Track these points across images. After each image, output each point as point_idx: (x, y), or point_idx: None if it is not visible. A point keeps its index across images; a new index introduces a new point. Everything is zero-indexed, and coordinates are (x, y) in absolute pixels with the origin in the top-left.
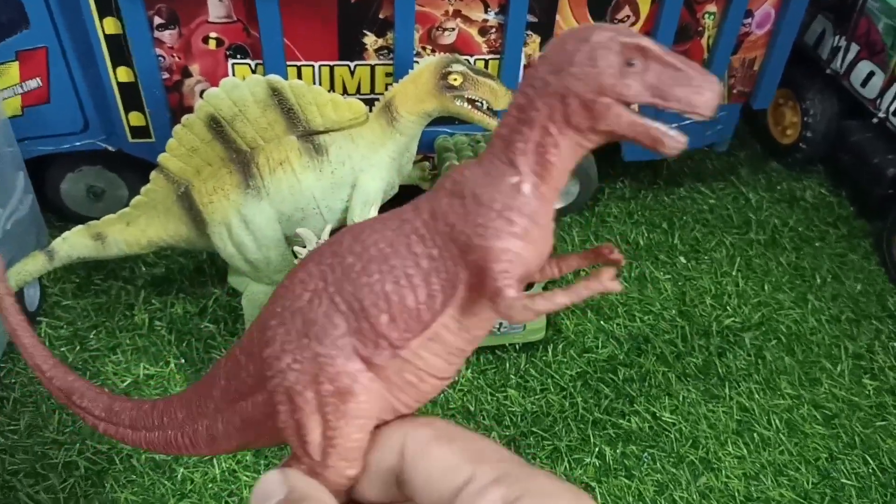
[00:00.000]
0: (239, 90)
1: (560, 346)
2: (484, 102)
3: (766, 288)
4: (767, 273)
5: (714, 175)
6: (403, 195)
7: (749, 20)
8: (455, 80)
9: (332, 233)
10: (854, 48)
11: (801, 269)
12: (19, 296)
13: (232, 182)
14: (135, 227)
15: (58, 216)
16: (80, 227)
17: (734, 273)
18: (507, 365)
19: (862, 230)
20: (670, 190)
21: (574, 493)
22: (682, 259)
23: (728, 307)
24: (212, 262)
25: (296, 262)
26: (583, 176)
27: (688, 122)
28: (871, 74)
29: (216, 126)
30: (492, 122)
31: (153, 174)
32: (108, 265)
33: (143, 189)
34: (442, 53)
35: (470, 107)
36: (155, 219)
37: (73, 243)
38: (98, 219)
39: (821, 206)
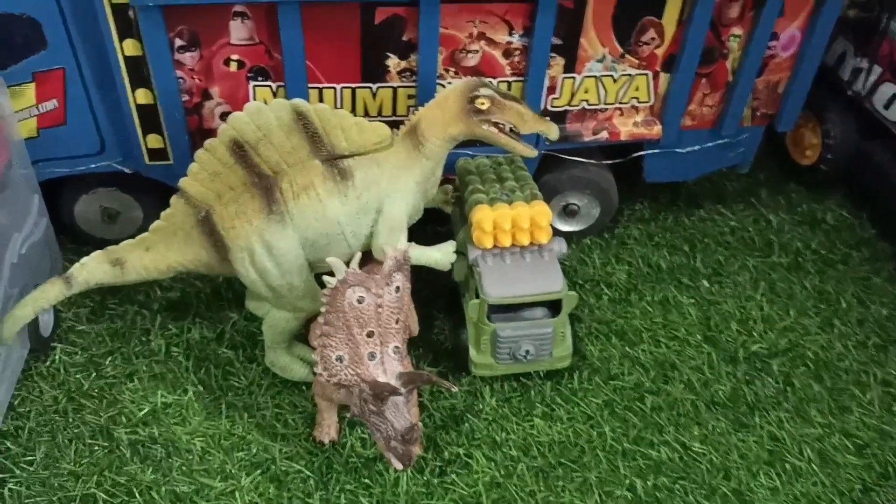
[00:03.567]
0: (263, 114)
1: (585, 374)
2: (509, 126)
3: (791, 313)
4: (792, 297)
5: (734, 197)
6: (427, 219)
7: (774, 43)
8: (482, 104)
9: (362, 259)
10: (877, 70)
11: (825, 294)
12: (34, 322)
13: (255, 207)
14: (154, 253)
15: (70, 238)
16: (98, 252)
17: (758, 297)
18: (533, 393)
19: (885, 253)
20: (690, 211)
21: None
22: (706, 283)
23: (754, 332)
24: (228, 285)
25: (324, 291)
26: (603, 197)
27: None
28: (894, 97)
29: (239, 150)
30: (518, 146)
31: (173, 199)
32: (123, 289)
33: (162, 214)
34: (467, 77)
35: (497, 131)
36: (175, 244)
37: (92, 269)
38: (112, 241)
39: (842, 228)
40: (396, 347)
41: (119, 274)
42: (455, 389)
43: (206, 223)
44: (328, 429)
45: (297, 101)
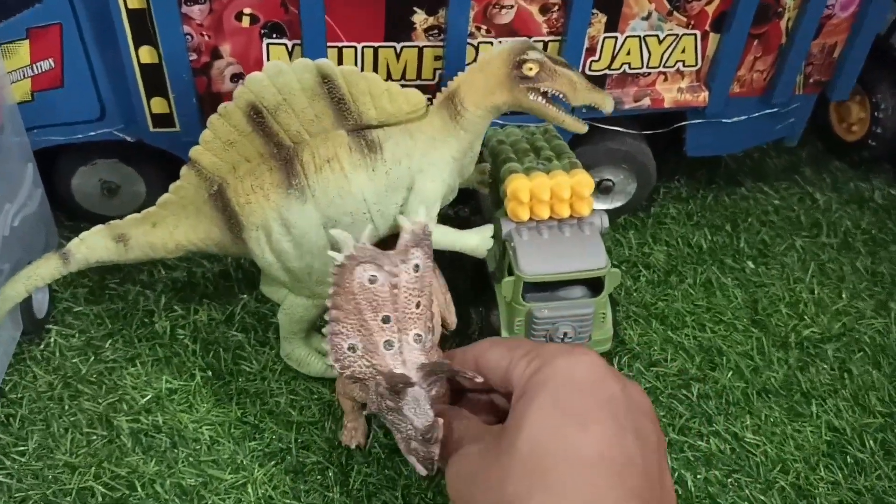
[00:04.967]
0: (284, 76)
1: (625, 359)
2: (561, 96)
3: (843, 295)
4: (843, 279)
5: (776, 174)
6: (461, 199)
7: (833, 2)
8: (531, 69)
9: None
10: None
11: (878, 275)
12: (27, 302)
13: (272, 181)
14: (161, 229)
15: (67, 214)
16: (99, 226)
17: (808, 279)
18: None
19: None
20: (731, 189)
21: (568, 349)
22: (751, 264)
23: (805, 316)
24: (238, 265)
25: (331, 269)
26: (640, 172)
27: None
28: None
29: (257, 117)
30: (568, 120)
31: (184, 170)
32: (124, 268)
33: (171, 186)
34: (508, 38)
35: (545, 101)
36: (184, 220)
37: (92, 245)
38: (112, 218)
39: (892, 207)
40: (418, 335)
41: (122, 251)
42: (480, 380)
43: (218, 198)
44: (354, 432)
45: (322, 61)
